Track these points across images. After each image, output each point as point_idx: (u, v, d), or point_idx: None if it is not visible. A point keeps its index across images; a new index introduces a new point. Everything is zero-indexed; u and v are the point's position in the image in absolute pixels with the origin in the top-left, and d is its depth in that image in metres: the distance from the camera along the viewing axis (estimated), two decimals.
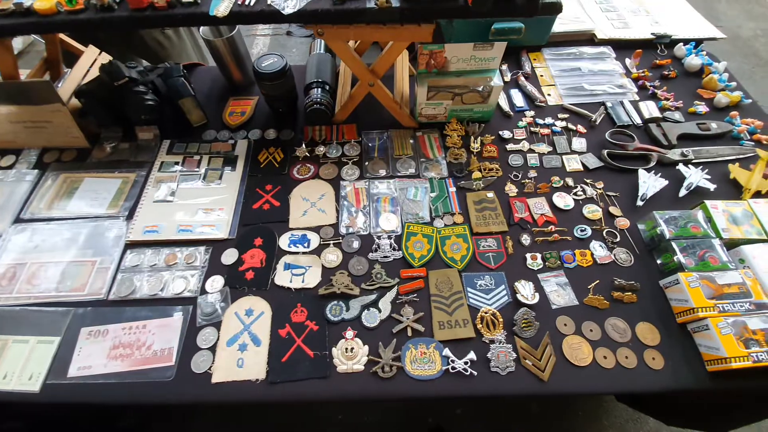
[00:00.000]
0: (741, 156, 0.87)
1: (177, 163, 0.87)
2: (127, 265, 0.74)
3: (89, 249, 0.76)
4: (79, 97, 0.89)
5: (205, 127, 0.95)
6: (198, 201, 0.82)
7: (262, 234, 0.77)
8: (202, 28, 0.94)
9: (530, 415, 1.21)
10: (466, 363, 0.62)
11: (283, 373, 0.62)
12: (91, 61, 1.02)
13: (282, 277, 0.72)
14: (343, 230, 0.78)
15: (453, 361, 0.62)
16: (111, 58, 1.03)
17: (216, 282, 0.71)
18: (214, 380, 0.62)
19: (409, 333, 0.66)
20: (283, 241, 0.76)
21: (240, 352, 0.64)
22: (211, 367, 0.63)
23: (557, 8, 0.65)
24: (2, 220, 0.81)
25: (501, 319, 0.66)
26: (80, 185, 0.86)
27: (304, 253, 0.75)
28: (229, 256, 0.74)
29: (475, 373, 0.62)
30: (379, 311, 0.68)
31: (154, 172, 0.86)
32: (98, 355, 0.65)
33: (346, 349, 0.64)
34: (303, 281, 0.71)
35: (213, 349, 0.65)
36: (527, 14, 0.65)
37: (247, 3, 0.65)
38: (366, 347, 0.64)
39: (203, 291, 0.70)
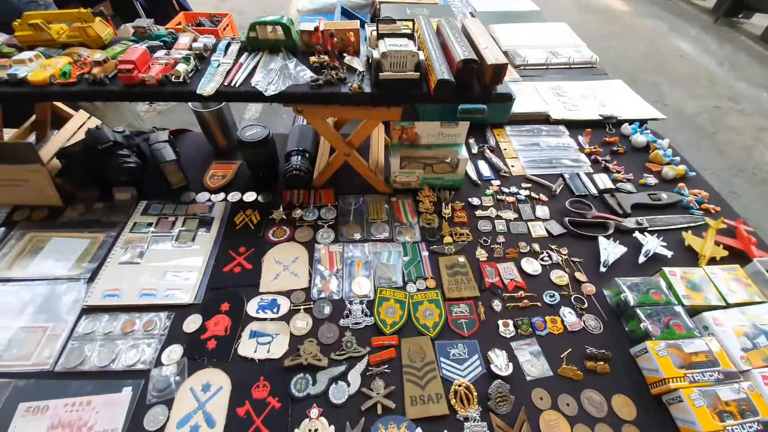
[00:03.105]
0: (692, 224, 0.94)
1: (150, 224, 0.87)
2: (80, 332, 0.69)
3: (43, 313, 0.72)
4: (60, 157, 0.91)
5: (184, 189, 0.97)
6: (166, 264, 0.80)
7: (230, 299, 0.75)
8: None
9: None
10: None
11: None
12: (78, 125, 1.06)
13: (246, 347, 0.68)
14: (315, 294, 0.77)
15: None
16: (100, 122, 1.08)
17: (174, 352, 0.67)
18: None
19: (379, 410, 0.62)
20: (252, 307, 0.74)
21: None
22: None
23: (508, 97, 0.75)
24: None
25: (475, 393, 0.63)
26: (46, 245, 0.84)
27: (272, 319, 0.73)
28: (192, 323, 0.71)
29: None
30: (348, 385, 0.65)
31: (125, 233, 0.85)
32: None
33: (310, 430, 0.59)
34: (268, 351, 0.68)
35: (161, 431, 0.58)
36: (483, 101, 0.73)
37: (233, 84, 0.71)
38: (332, 428, 0.60)
39: (158, 363, 0.66)
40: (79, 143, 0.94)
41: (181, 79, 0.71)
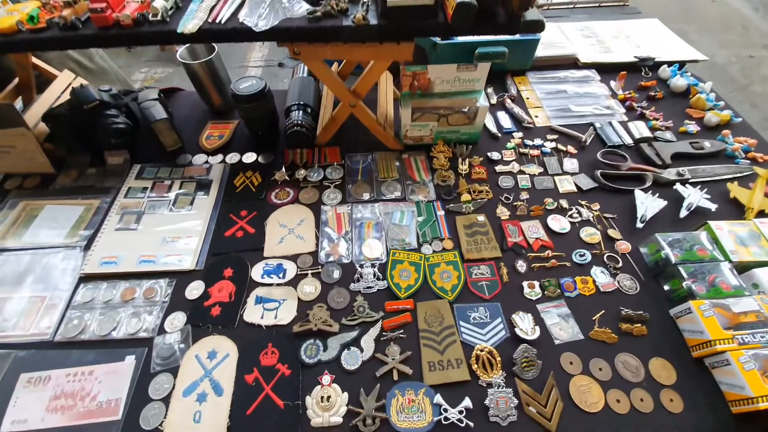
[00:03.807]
0: (738, 174, 0.84)
1: (145, 189, 0.82)
2: (79, 301, 0.66)
3: (39, 283, 0.69)
4: (47, 121, 0.85)
5: (180, 152, 0.90)
6: (164, 229, 0.75)
7: (233, 264, 0.70)
8: (179, 51, 0.91)
9: None
10: (460, 412, 0.54)
11: (247, 429, 0.53)
12: (64, 86, 0.99)
13: (252, 313, 0.64)
14: (322, 258, 0.71)
15: (446, 410, 0.54)
16: (85, 81, 1.00)
17: (177, 320, 0.63)
18: None
19: (395, 376, 0.58)
20: (256, 272, 0.69)
21: (198, 403, 0.55)
22: (162, 422, 0.54)
23: (540, 26, 0.63)
24: None
25: (499, 358, 0.59)
26: (40, 213, 0.79)
27: (278, 284, 0.68)
28: (194, 290, 0.67)
29: (472, 424, 0.53)
30: (361, 351, 0.60)
31: (119, 199, 0.80)
32: (36, 407, 0.56)
33: (322, 397, 0.55)
34: (276, 317, 0.64)
35: (167, 400, 0.56)
36: (509, 32, 0.63)
37: (218, 20, 0.62)
38: (345, 395, 0.56)
39: (161, 330, 0.62)
40: (64, 104, 0.87)
41: (159, 17, 0.62)
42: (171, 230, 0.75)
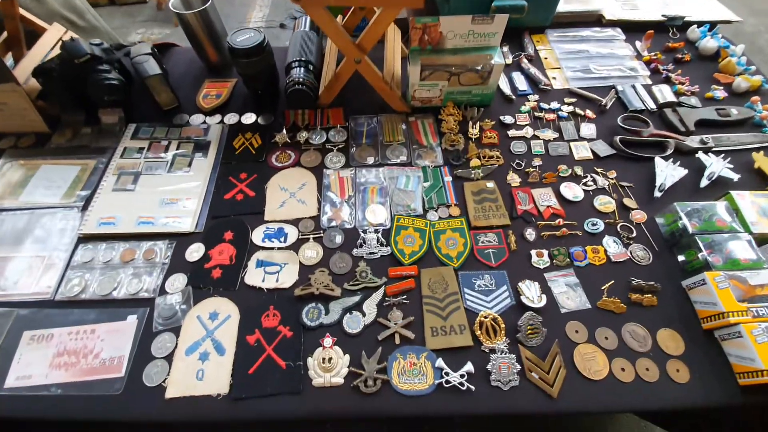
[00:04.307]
0: (765, 144, 0.79)
1: (142, 149, 0.79)
2: (78, 261, 0.65)
3: (38, 243, 0.68)
4: (37, 76, 0.81)
5: (176, 111, 0.86)
6: (162, 190, 0.73)
7: (233, 227, 0.69)
8: (171, 0, 0.85)
9: (533, 423, 1.12)
10: (462, 376, 0.53)
11: (249, 387, 0.53)
12: (54, 40, 0.94)
13: (253, 276, 0.63)
14: (324, 223, 0.69)
15: (447, 374, 0.54)
16: (75, 35, 0.94)
17: (177, 281, 0.63)
18: (168, 395, 0.53)
19: (397, 340, 0.57)
20: (257, 236, 0.68)
21: (200, 362, 0.55)
22: (165, 379, 0.54)
23: None
24: None
25: (503, 325, 0.58)
26: (36, 173, 0.77)
27: (279, 248, 0.66)
28: (195, 252, 0.66)
29: (473, 387, 0.53)
30: (363, 315, 0.60)
31: (115, 159, 0.78)
32: (40, 364, 0.56)
33: (324, 359, 0.55)
34: (277, 280, 0.63)
35: (169, 358, 0.56)
36: None
37: None
38: (347, 357, 0.56)
39: (162, 291, 0.62)
40: (55, 59, 0.82)
41: None
42: (169, 191, 0.73)
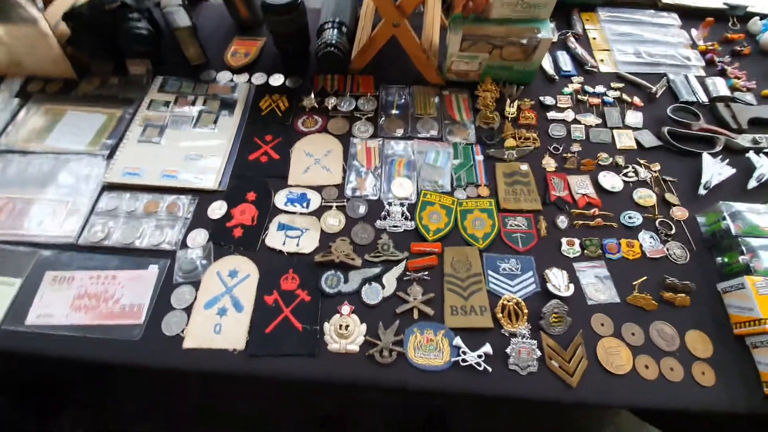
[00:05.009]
0: None
1: (168, 103, 0.77)
2: (102, 208, 0.65)
3: (63, 187, 0.68)
4: (67, 20, 0.79)
5: (204, 68, 0.84)
6: (187, 145, 0.72)
7: (256, 188, 0.67)
8: None
9: (537, 409, 1.12)
10: (479, 356, 0.52)
11: (265, 345, 0.53)
12: None
13: (274, 238, 0.62)
14: (348, 192, 0.68)
15: (464, 353, 0.53)
16: None
17: (199, 237, 0.62)
18: (185, 345, 0.53)
19: (415, 315, 0.56)
20: (279, 199, 0.66)
21: (218, 316, 0.55)
22: (184, 330, 0.54)
23: None
24: None
25: (526, 310, 0.56)
26: (62, 118, 0.77)
27: (301, 213, 0.65)
28: (217, 210, 0.65)
29: (490, 369, 0.52)
30: (382, 287, 0.59)
31: (142, 110, 0.76)
32: (61, 304, 0.57)
33: (341, 325, 0.54)
34: (297, 245, 0.62)
35: (188, 310, 0.56)
36: None
37: None
38: (363, 326, 0.55)
39: (184, 245, 0.61)
40: (85, 4, 0.80)
41: None
42: (194, 147, 0.72)
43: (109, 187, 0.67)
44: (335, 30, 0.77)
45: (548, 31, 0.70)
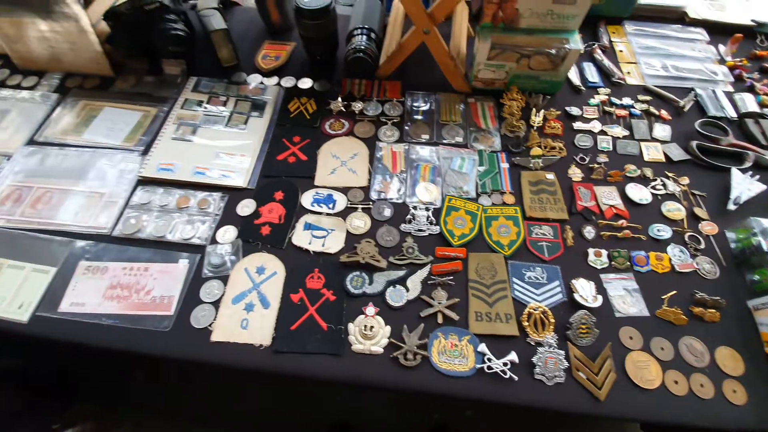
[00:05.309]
0: None
1: (201, 102, 0.80)
2: (137, 201, 0.67)
3: (99, 180, 0.70)
4: (107, 19, 0.82)
5: (235, 69, 0.87)
6: (219, 143, 0.74)
7: (284, 188, 0.69)
8: None
9: (543, 423, 1.10)
10: (505, 364, 0.52)
11: (290, 342, 0.54)
12: None
13: (301, 238, 0.63)
14: (374, 195, 0.68)
15: (489, 360, 0.52)
16: None
17: (228, 233, 0.64)
18: (213, 338, 0.54)
19: (440, 320, 0.56)
20: (306, 199, 0.68)
21: (246, 312, 0.56)
22: (212, 323, 0.55)
23: None
24: (15, 140, 0.75)
25: (552, 320, 0.56)
26: (99, 114, 0.80)
27: (328, 214, 0.66)
28: (246, 207, 0.66)
29: (516, 377, 0.52)
30: (407, 290, 0.59)
31: (176, 109, 0.79)
32: (93, 293, 0.58)
33: (365, 326, 0.55)
34: (323, 245, 0.63)
35: (216, 304, 0.57)
36: None
37: None
38: (388, 328, 0.55)
39: (213, 240, 0.63)
40: (126, 3, 0.83)
41: None
42: (225, 146, 0.73)
43: (144, 182, 0.69)
44: (364, 36, 0.79)
45: (577, 42, 0.71)
